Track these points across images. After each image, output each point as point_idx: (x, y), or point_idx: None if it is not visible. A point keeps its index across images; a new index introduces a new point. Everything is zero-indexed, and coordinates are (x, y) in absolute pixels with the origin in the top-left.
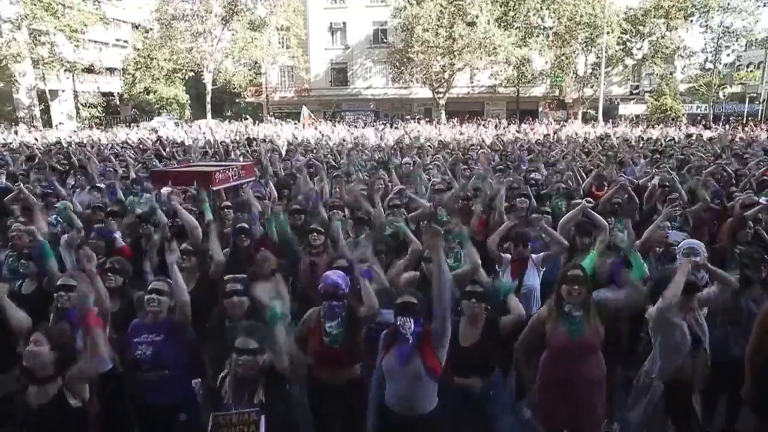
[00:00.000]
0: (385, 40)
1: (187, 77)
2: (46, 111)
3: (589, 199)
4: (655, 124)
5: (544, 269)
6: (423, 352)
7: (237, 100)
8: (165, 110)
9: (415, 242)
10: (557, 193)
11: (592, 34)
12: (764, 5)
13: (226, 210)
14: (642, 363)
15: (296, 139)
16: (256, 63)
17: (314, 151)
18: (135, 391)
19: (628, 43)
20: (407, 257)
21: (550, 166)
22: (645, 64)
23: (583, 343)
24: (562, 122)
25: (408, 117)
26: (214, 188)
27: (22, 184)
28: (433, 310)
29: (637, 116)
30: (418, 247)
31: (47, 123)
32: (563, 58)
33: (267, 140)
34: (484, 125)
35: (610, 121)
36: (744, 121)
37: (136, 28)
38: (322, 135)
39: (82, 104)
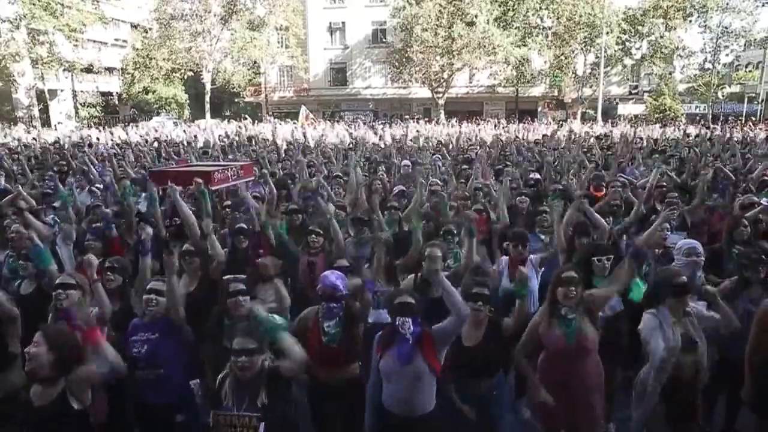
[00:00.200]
0: (384, 40)
1: (185, 77)
2: (45, 111)
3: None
4: (654, 124)
5: (542, 270)
6: (424, 352)
7: (236, 100)
8: (164, 110)
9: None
10: (553, 194)
11: (591, 34)
12: (763, 5)
13: (225, 210)
14: (642, 363)
15: (296, 138)
16: (255, 63)
17: (313, 152)
18: (133, 390)
19: (627, 43)
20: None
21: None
22: (644, 64)
23: (579, 345)
24: (561, 122)
25: (407, 117)
26: (214, 188)
27: (21, 186)
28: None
29: (636, 116)
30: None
31: (46, 123)
32: (562, 57)
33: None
34: (482, 125)
35: (609, 120)
36: (743, 121)
37: (135, 27)
38: (322, 134)
39: (80, 104)
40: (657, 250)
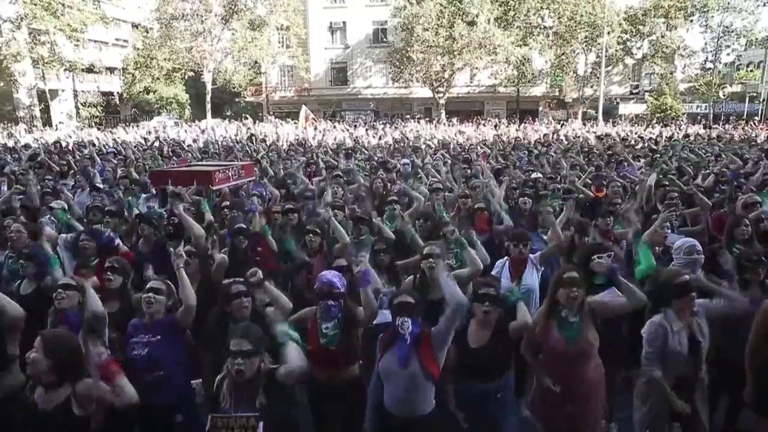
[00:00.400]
0: (385, 40)
1: (186, 77)
2: (46, 111)
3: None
4: (655, 124)
5: (542, 269)
6: (421, 354)
7: (237, 100)
8: (165, 110)
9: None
10: (553, 194)
11: (592, 33)
12: (764, 5)
13: (225, 210)
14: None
15: (296, 137)
16: (256, 62)
17: (313, 152)
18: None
19: (628, 43)
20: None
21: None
22: (645, 64)
23: (580, 349)
24: (562, 122)
25: (408, 116)
26: (214, 188)
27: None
28: (444, 314)
29: (637, 116)
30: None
31: (47, 123)
32: (563, 57)
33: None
34: (483, 125)
35: (610, 120)
36: (745, 120)
37: (136, 27)
38: (323, 134)
39: (81, 104)
40: (657, 248)
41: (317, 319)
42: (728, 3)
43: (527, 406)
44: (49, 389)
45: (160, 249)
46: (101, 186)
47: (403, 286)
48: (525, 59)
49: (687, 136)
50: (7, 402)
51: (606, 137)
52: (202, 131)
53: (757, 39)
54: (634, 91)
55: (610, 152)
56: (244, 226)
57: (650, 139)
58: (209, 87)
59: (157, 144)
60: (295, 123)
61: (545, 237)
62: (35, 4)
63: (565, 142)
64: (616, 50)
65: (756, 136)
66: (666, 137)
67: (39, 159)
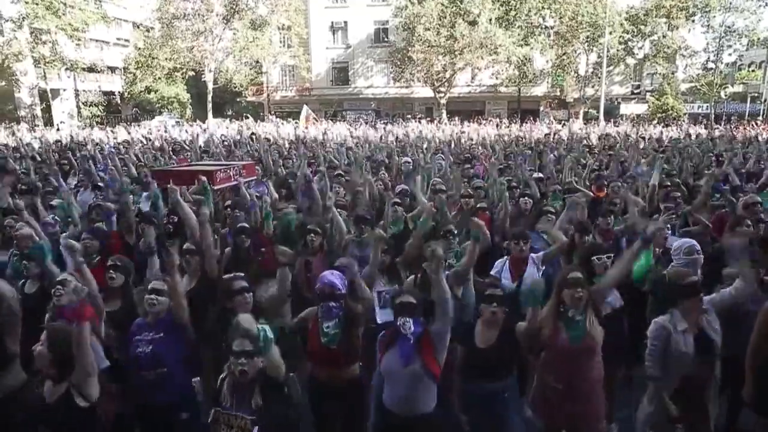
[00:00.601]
0: (386, 40)
1: (186, 76)
2: (47, 110)
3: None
4: (656, 124)
5: (543, 268)
6: (423, 354)
7: (238, 100)
8: (166, 109)
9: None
10: (553, 195)
11: (593, 33)
12: (766, 5)
13: (226, 210)
14: (643, 363)
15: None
16: (257, 62)
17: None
18: (136, 389)
19: (629, 43)
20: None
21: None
22: (646, 64)
23: (585, 347)
24: (563, 122)
25: (409, 116)
26: (216, 187)
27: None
28: (435, 315)
29: (639, 116)
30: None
31: (48, 122)
32: (564, 57)
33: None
34: (484, 125)
35: (612, 120)
36: (746, 120)
37: (138, 27)
38: (324, 132)
39: (83, 103)
40: (658, 249)
41: (318, 318)
42: (730, 3)
43: (529, 406)
44: (54, 382)
45: (159, 246)
46: (102, 185)
47: (405, 286)
48: (526, 59)
49: (689, 136)
50: (8, 401)
51: (606, 137)
52: (204, 130)
53: (759, 39)
54: (635, 91)
55: (611, 152)
56: (246, 225)
57: (650, 138)
58: (210, 86)
59: (157, 143)
60: (296, 123)
61: (545, 236)
62: (37, 4)
63: (566, 142)
64: (618, 50)
65: (756, 135)
66: (669, 137)
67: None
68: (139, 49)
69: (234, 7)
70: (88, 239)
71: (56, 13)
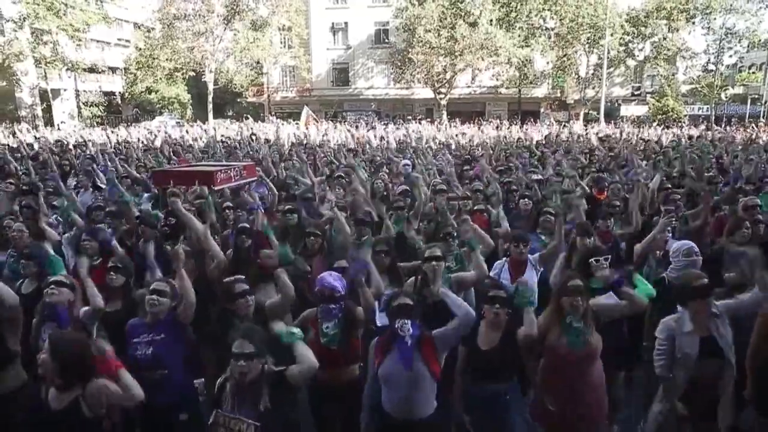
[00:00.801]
0: (386, 41)
1: (187, 77)
2: (48, 110)
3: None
4: (657, 126)
5: (541, 269)
6: (424, 356)
7: (238, 100)
8: (167, 110)
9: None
10: (553, 194)
11: (594, 35)
12: (767, 7)
13: (227, 211)
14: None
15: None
16: (257, 63)
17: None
18: None
19: (629, 45)
20: None
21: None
22: (647, 66)
23: (586, 353)
24: (564, 123)
25: (409, 117)
26: (216, 188)
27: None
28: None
29: (639, 117)
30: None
31: (49, 122)
32: (565, 59)
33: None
34: (484, 126)
35: (612, 122)
36: (746, 123)
37: (138, 27)
38: (325, 134)
39: (83, 103)
40: (658, 252)
41: (318, 319)
42: (731, 5)
43: (529, 413)
44: (59, 390)
45: (157, 249)
46: (103, 185)
47: (405, 288)
48: (527, 60)
49: (691, 137)
50: (8, 401)
51: (607, 139)
52: (205, 131)
53: (759, 41)
54: (635, 93)
55: (612, 154)
56: (248, 225)
57: (648, 141)
58: (211, 87)
59: (158, 143)
60: (296, 124)
61: (543, 237)
62: (38, 4)
63: (566, 143)
64: (618, 52)
65: (756, 137)
66: (669, 139)
67: (41, 158)
68: (140, 49)
69: (235, 7)
70: (87, 240)
71: (57, 14)
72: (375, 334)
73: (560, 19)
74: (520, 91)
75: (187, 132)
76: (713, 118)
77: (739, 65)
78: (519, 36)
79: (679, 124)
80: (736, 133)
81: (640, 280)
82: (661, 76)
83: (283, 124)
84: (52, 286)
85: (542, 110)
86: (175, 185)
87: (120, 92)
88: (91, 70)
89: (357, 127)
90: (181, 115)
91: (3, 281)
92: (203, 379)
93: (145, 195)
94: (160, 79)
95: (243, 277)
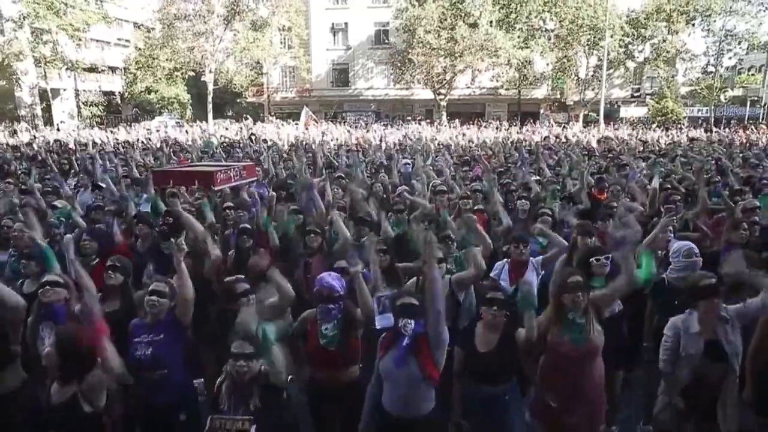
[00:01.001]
0: (386, 41)
1: (187, 77)
2: (47, 110)
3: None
4: (656, 127)
5: (542, 272)
6: (419, 355)
7: (238, 100)
8: (166, 110)
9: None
10: (552, 194)
11: (593, 36)
12: (767, 9)
13: (228, 211)
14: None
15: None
16: (257, 63)
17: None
18: (136, 391)
19: (629, 46)
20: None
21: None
22: (646, 67)
23: (588, 349)
24: (563, 125)
25: (409, 118)
26: (216, 188)
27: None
28: (427, 315)
29: (638, 119)
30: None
31: (48, 122)
32: (565, 60)
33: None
34: (484, 127)
35: (612, 123)
36: (745, 124)
37: (138, 27)
38: (324, 134)
39: (83, 103)
40: (660, 252)
41: (317, 320)
42: (731, 7)
43: (529, 413)
44: (60, 384)
45: (155, 248)
46: (103, 185)
47: (406, 288)
48: (526, 62)
49: (692, 140)
50: (8, 401)
51: (605, 140)
52: (203, 131)
53: (759, 43)
54: (635, 95)
55: (611, 155)
56: (249, 226)
57: (646, 142)
58: (211, 87)
59: (157, 144)
60: (296, 124)
61: (540, 240)
62: (38, 3)
63: (566, 144)
64: (618, 53)
65: (756, 140)
66: (669, 141)
67: (40, 158)
68: (140, 49)
69: (235, 8)
70: (87, 240)
71: (57, 13)
72: (375, 334)
73: (560, 21)
74: (519, 92)
75: (186, 132)
76: (712, 119)
77: (738, 67)
78: (519, 37)
79: (679, 125)
80: (734, 135)
81: (647, 260)
82: (661, 77)
83: (283, 124)
84: (47, 286)
85: (542, 111)
86: (175, 185)
87: (120, 92)
88: (91, 69)
89: (356, 127)
90: (180, 115)
91: (4, 281)
92: (203, 379)
93: (144, 196)
94: (160, 79)
95: (243, 276)
